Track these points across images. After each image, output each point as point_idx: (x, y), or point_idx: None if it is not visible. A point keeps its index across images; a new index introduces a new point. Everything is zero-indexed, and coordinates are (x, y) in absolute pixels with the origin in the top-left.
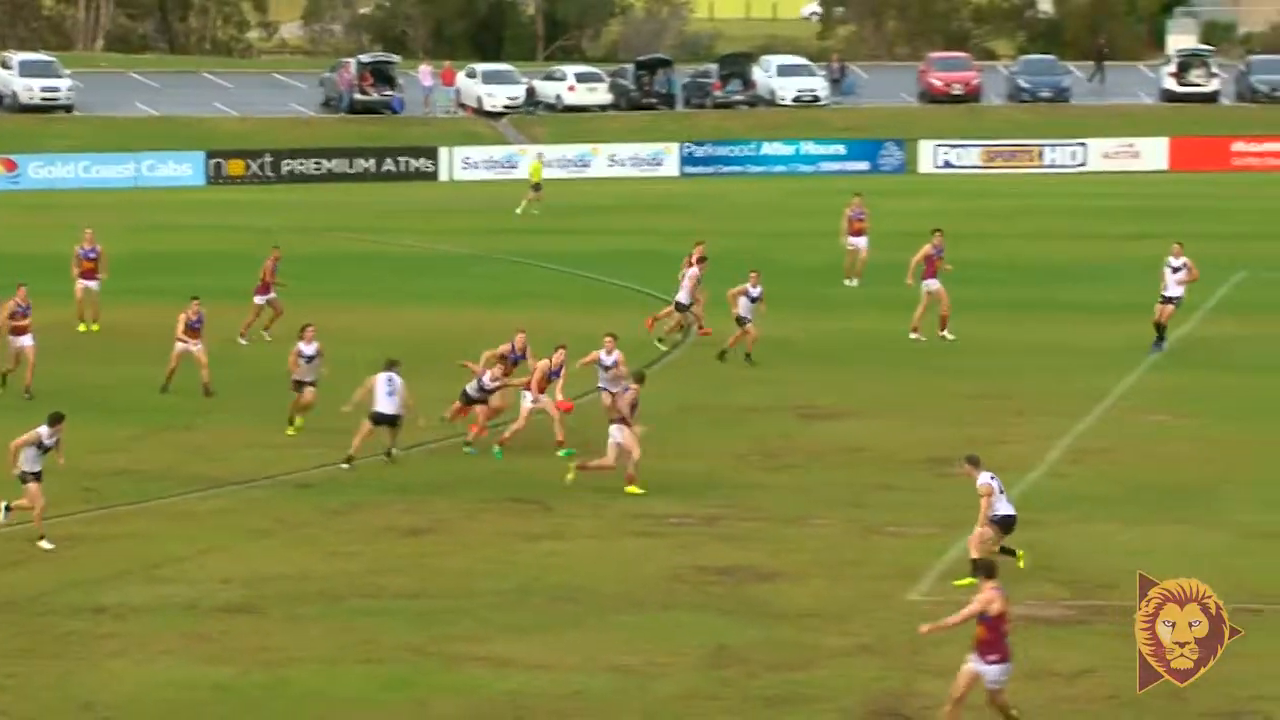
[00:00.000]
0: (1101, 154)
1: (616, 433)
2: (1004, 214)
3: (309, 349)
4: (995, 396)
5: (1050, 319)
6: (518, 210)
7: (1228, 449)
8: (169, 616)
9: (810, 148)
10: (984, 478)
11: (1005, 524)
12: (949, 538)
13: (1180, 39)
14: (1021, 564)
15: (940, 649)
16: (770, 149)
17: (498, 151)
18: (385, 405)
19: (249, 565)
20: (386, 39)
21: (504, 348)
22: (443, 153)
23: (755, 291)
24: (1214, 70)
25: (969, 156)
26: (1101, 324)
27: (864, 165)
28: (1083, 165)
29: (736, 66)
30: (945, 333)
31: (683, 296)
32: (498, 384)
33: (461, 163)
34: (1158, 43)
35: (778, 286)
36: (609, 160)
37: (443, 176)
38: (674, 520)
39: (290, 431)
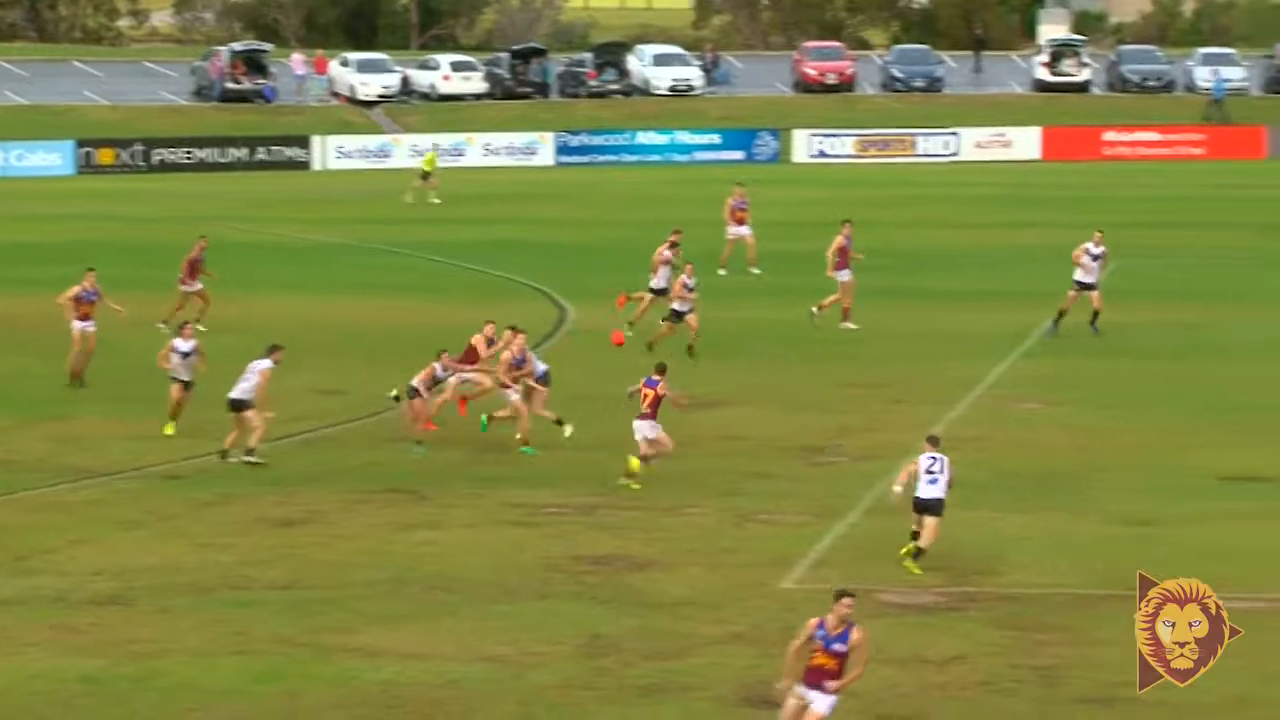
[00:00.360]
0: (974, 143)
1: (647, 429)
2: (878, 203)
3: (185, 345)
4: (870, 384)
5: (924, 307)
6: (434, 200)
7: (1098, 436)
8: (38, 609)
9: (685, 137)
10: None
11: (915, 504)
12: (822, 526)
13: (1052, 29)
14: (915, 568)
15: None
16: (645, 138)
17: (371, 141)
18: (233, 390)
19: (119, 557)
20: (259, 27)
21: (475, 339)
22: (315, 142)
23: (691, 282)
24: (1085, 60)
25: (843, 146)
26: (974, 311)
27: (739, 155)
28: (955, 155)
29: (611, 55)
30: (848, 323)
31: (657, 283)
32: (450, 372)
33: (335, 152)
34: (1029, 33)
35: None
36: (484, 149)
37: (316, 165)
38: (550, 509)
39: (168, 430)
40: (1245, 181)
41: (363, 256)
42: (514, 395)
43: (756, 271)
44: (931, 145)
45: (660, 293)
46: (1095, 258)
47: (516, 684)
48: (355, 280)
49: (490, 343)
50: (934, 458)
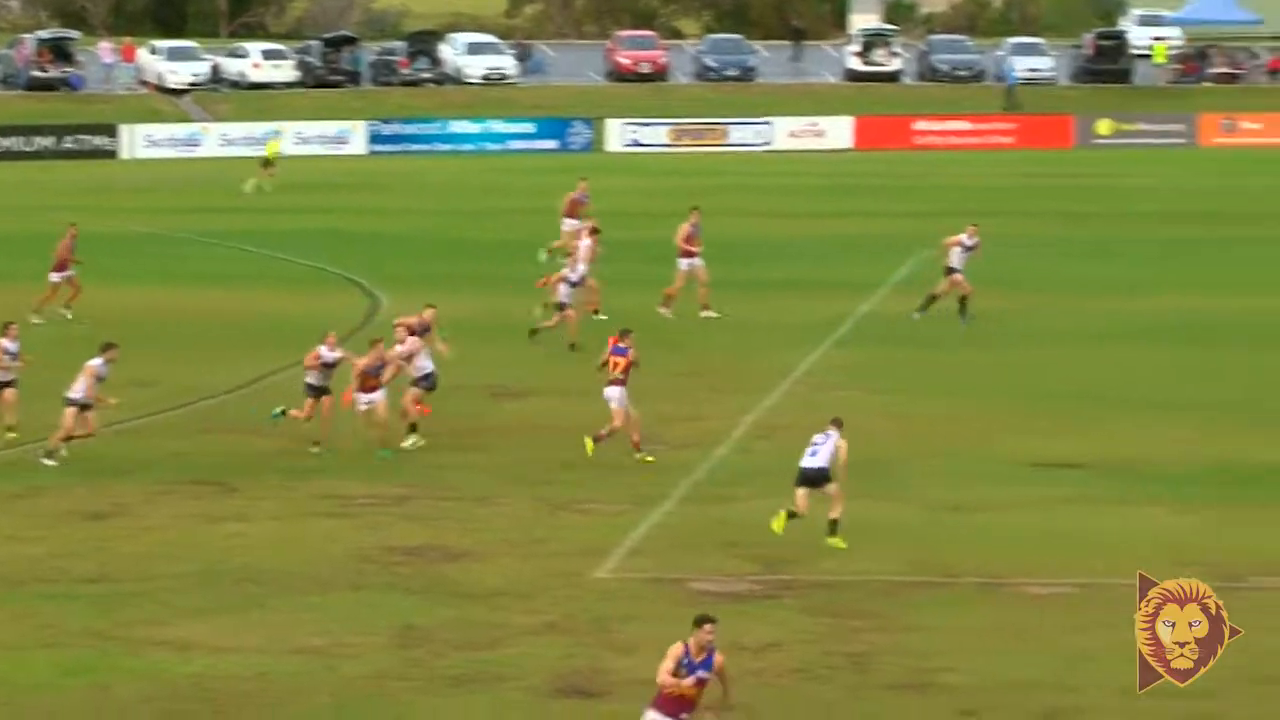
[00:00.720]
0: (787, 132)
1: (620, 395)
2: (692, 192)
3: (13, 345)
4: (687, 373)
5: (739, 296)
6: (246, 188)
7: (912, 424)
8: None
9: (498, 126)
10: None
11: (798, 476)
12: (637, 514)
13: (863, 19)
14: (839, 543)
15: (626, 625)
16: (458, 127)
17: (180, 129)
18: (70, 390)
19: None
20: (66, 15)
21: (411, 320)
22: (123, 130)
23: (574, 276)
24: (896, 50)
25: (656, 135)
26: (787, 300)
27: (552, 144)
28: (768, 144)
29: (424, 44)
30: (664, 309)
31: (579, 269)
32: (338, 355)
33: (143, 140)
34: (840, 22)
35: (467, 265)
36: (295, 138)
37: (124, 154)
38: (362, 500)
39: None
40: (1053, 170)
41: (172, 246)
42: (361, 406)
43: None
44: (745, 134)
45: (577, 283)
46: (969, 249)
47: (328, 676)
48: (165, 270)
49: (426, 330)
50: (826, 435)
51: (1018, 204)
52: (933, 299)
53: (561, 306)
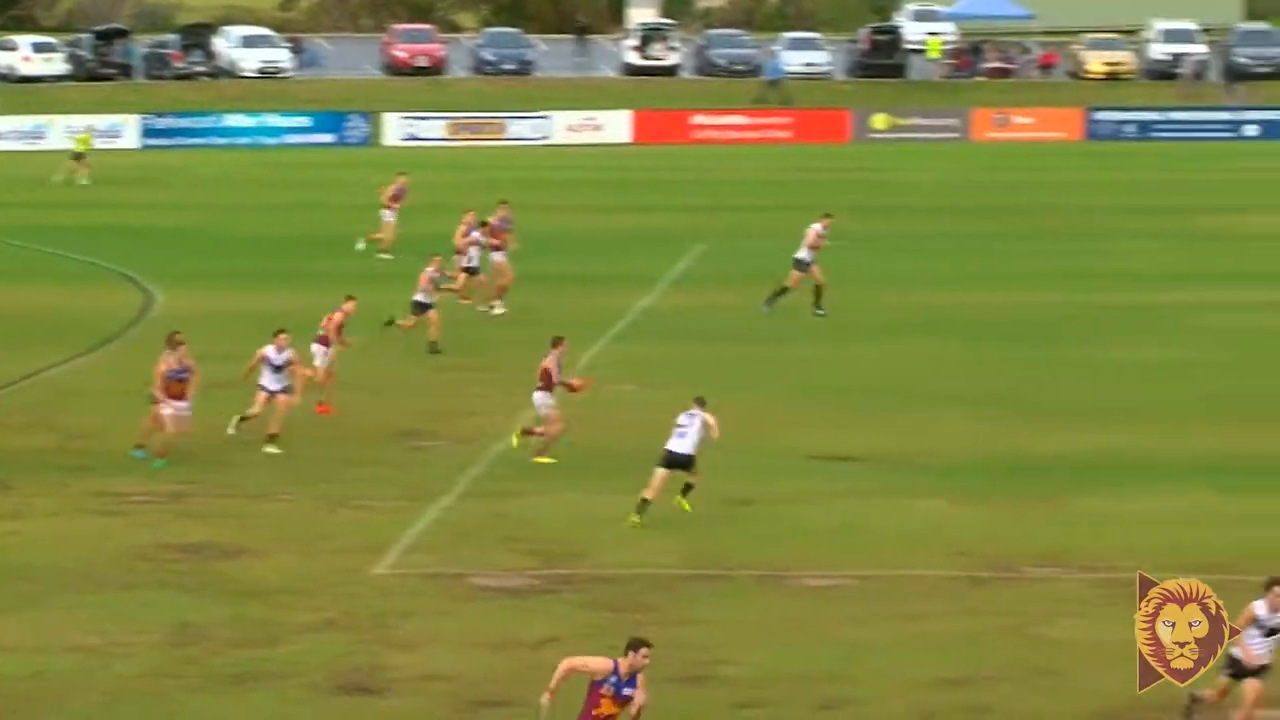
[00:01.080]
0: (566, 126)
1: (540, 400)
2: (469, 186)
3: None
4: (467, 369)
5: (518, 289)
6: (83, 182)
7: None
8: None
9: (274, 120)
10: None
11: (662, 458)
12: (417, 510)
13: (641, 13)
14: (686, 507)
15: (406, 621)
16: (233, 121)
17: None
18: None
19: None
20: None
21: (335, 316)
22: None
23: (437, 276)
24: (674, 44)
25: (434, 129)
26: (566, 295)
27: (329, 138)
28: (546, 138)
29: (198, 37)
30: (496, 304)
31: (471, 263)
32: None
33: None
34: (617, 17)
35: (242, 260)
36: (66, 132)
37: None
38: (138, 498)
39: None
40: (830, 165)
41: None
42: (166, 410)
43: (360, 246)
44: (523, 129)
45: (472, 271)
46: (822, 235)
47: (103, 674)
48: None
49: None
50: (691, 415)
51: (795, 198)
52: (818, 292)
53: (422, 307)
